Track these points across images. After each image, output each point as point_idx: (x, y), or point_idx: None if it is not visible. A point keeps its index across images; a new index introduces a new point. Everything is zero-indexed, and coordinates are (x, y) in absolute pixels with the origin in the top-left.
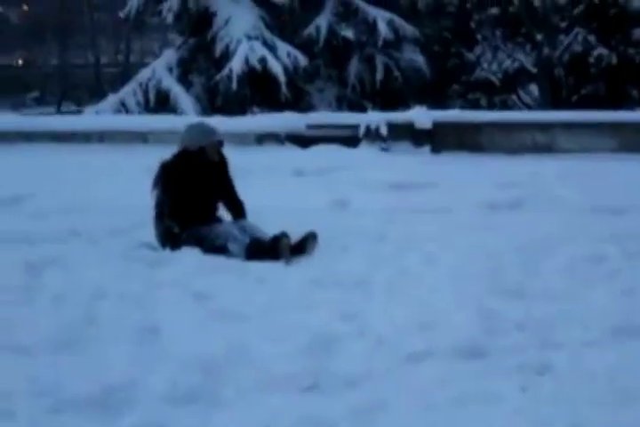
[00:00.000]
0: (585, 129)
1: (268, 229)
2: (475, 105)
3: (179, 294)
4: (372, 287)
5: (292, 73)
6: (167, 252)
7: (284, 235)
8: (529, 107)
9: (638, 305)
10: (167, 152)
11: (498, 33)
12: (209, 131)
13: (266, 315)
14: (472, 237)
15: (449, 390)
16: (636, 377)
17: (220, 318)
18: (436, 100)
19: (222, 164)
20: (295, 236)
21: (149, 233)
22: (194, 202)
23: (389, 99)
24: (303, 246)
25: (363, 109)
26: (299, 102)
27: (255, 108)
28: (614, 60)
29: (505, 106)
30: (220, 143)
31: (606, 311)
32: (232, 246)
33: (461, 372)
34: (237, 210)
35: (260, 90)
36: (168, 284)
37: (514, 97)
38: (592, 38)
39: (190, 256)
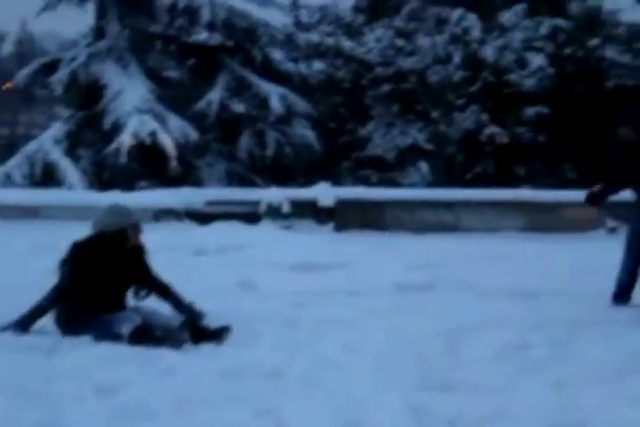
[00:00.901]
0: (490, 208)
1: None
2: (365, 182)
3: (79, 386)
4: (288, 379)
5: (183, 147)
6: (63, 338)
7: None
8: (413, 185)
9: (571, 400)
10: (59, 228)
11: (392, 109)
12: (128, 212)
13: (178, 411)
14: (389, 323)
15: None
16: None
17: (128, 416)
18: (327, 176)
19: (138, 248)
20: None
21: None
22: (103, 289)
23: (280, 174)
24: (218, 337)
25: (253, 185)
26: (188, 177)
27: (143, 183)
28: (505, 138)
29: (394, 184)
30: (139, 225)
31: (540, 407)
32: (123, 329)
33: None
34: (167, 292)
35: (148, 164)
36: (67, 375)
37: (404, 174)
38: (485, 117)
39: (89, 343)
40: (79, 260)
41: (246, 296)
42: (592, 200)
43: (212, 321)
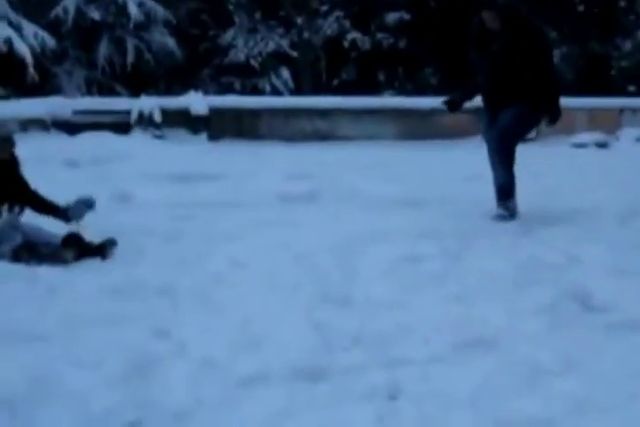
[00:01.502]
0: (366, 115)
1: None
2: (227, 89)
3: None
4: (179, 297)
5: (40, 55)
6: None
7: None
8: (279, 92)
9: (472, 313)
10: None
11: (255, 15)
12: None
13: (67, 333)
14: (276, 236)
15: (293, 422)
16: (497, 398)
17: (12, 341)
18: (189, 83)
19: (10, 162)
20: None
21: None
22: None
23: (140, 81)
24: (102, 251)
25: (113, 92)
26: (46, 85)
27: (0, 91)
28: (367, 44)
29: (257, 90)
30: (9, 140)
31: (441, 322)
32: (3, 247)
33: (305, 399)
34: (44, 205)
35: (5, 72)
36: None
37: (266, 80)
38: (347, 23)
39: None
40: None
41: (123, 209)
42: (451, 106)
43: (92, 237)
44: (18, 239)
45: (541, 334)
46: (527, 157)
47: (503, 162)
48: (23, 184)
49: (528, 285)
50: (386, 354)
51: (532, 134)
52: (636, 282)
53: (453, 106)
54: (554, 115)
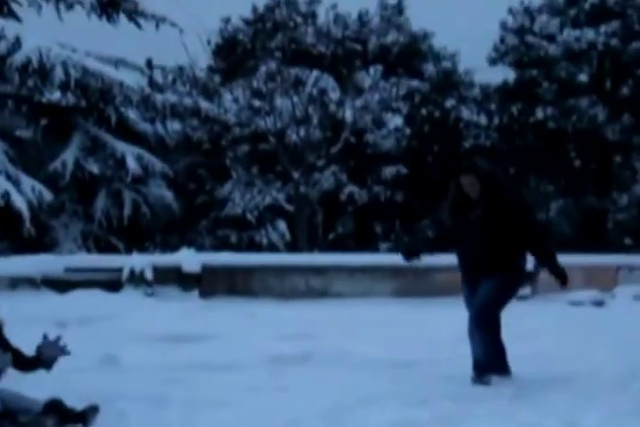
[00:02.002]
0: (361, 273)
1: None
2: (224, 242)
3: None
4: None
5: (37, 208)
6: None
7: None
8: (276, 245)
9: None
10: None
11: (252, 169)
12: None
13: None
14: (266, 401)
15: None
16: None
17: None
18: (185, 236)
19: None
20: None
21: None
22: None
23: (137, 235)
24: (84, 419)
25: (110, 246)
26: (43, 238)
27: None
28: (364, 197)
29: (253, 243)
30: None
31: None
32: None
33: None
34: (29, 364)
35: (2, 226)
36: None
37: (263, 234)
38: (344, 176)
39: None
40: None
41: (109, 373)
42: (409, 255)
43: (75, 402)
44: None
45: None
46: (523, 315)
47: (483, 337)
48: (4, 344)
49: None
50: None
51: (528, 292)
52: None
53: (412, 254)
54: (560, 275)
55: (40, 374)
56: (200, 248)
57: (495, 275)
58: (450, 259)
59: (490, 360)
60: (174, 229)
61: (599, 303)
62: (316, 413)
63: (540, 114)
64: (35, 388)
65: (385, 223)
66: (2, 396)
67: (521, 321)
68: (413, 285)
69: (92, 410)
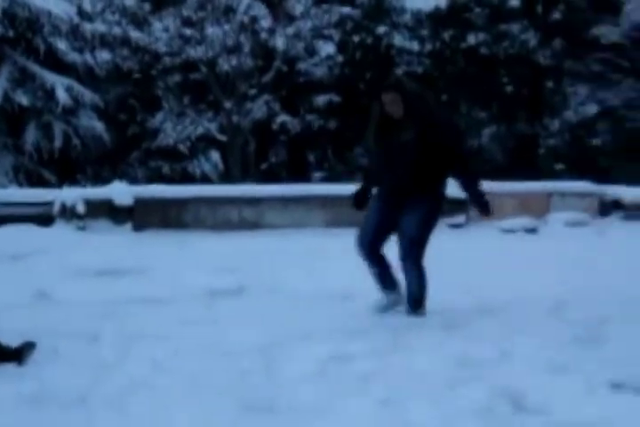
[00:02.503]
0: (295, 204)
1: None
2: (156, 173)
3: None
4: (97, 405)
5: None
6: None
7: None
8: (207, 177)
9: (402, 419)
10: None
11: (183, 99)
12: None
13: None
14: (201, 335)
15: None
16: None
17: None
18: (117, 167)
19: None
20: None
21: None
22: None
23: (69, 167)
24: (19, 356)
25: (41, 178)
26: None
27: None
28: (297, 127)
29: (187, 174)
30: None
31: None
32: None
33: None
34: None
35: None
36: None
37: (195, 164)
38: (276, 106)
39: None
40: None
41: (42, 308)
42: (358, 203)
43: (8, 339)
44: None
45: None
46: (455, 243)
47: (419, 268)
48: None
49: (459, 384)
50: None
51: (461, 219)
52: (572, 380)
53: (360, 203)
54: (481, 203)
55: None
56: (133, 180)
57: (422, 202)
58: None
59: (424, 292)
60: (106, 162)
61: (532, 230)
62: (252, 346)
63: (471, 40)
64: None
65: (318, 152)
66: None
67: (453, 249)
68: (347, 215)
69: (28, 347)
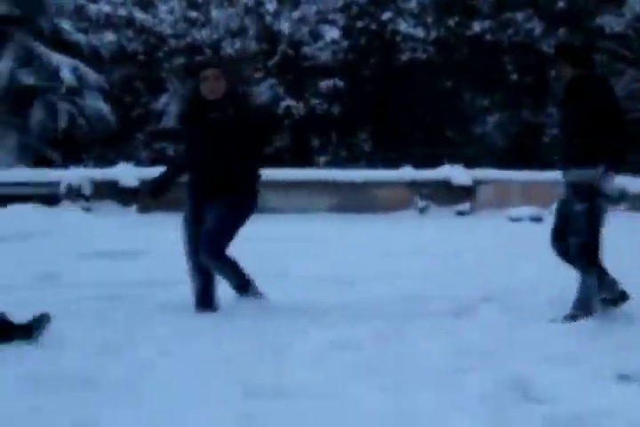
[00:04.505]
0: (298, 188)
1: None
2: (161, 154)
3: None
4: (105, 387)
5: None
6: None
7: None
8: None
9: (406, 406)
10: None
11: (188, 82)
12: None
13: None
14: (208, 318)
15: None
16: None
17: None
18: (121, 149)
19: None
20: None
21: None
22: None
23: (73, 147)
24: (32, 329)
25: (45, 158)
26: None
27: None
28: (302, 111)
29: None
30: None
31: (376, 415)
32: None
33: None
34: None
35: None
36: None
37: None
38: (281, 90)
39: None
40: None
41: (48, 289)
42: (154, 192)
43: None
44: None
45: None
46: (462, 231)
47: (233, 269)
48: None
49: (465, 372)
50: None
51: (467, 207)
52: (577, 369)
53: (157, 191)
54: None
55: None
56: (137, 162)
57: (224, 199)
58: (389, 174)
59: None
60: (110, 143)
61: (537, 219)
62: (257, 330)
63: (476, 27)
64: None
65: (322, 137)
66: None
67: (459, 237)
68: (351, 200)
69: (42, 319)
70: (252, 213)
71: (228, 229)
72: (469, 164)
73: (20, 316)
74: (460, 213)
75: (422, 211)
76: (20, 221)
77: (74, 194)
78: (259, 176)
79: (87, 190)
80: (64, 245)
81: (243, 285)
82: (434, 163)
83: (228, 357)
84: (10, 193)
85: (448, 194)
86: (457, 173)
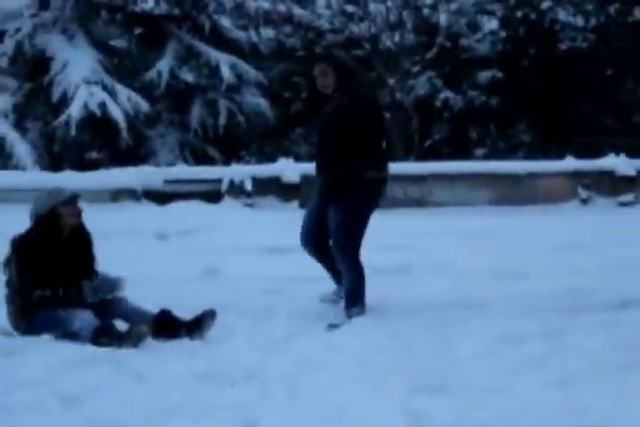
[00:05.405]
0: (460, 181)
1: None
2: None
3: (44, 397)
4: (270, 382)
5: (133, 118)
6: (21, 338)
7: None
8: None
9: (574, 402)
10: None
11: None
12: (58, 190)
13: (150, 425)
14: (369, 314)
15: None
16: None
17: None
18: (280, 144)
19: (80, 233)
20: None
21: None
22: (53, 282)
23: (233, 143)
24: (199, 326)
25: (205, 155)
26: (140, 148)
27: (94, 155)
28: (460, 103)
29: None
30: (74, 200)
31: (543, 410)
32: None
33: None
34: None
35: (99, 136)
36: (28, 383)
37: None
38: (439, 82)
39: (51, 344)
40: (22, 255)
41: (213, 283)
42: None
43: (179, 313)
44: (95, 321)
45: None
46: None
47: (351, 265)
48: (92, 261)
49: (631, 368)
50: None
51: (631, 198)
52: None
53: None
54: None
55: (143, 286)
56: (296, 157)
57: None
58: (552, 165)
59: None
60: (269, 138)
61: None
62: (420, 324)
63: (638, 14)
64: (138, 300)
65: (480, 129)
66: (124, 308)
67: (623, 229)
68: (512, 192)
69: (208, 315)
70: (373, 206)
71: (349, 230)
72: (631, 153)
73: (185, 311)
74: (623, 204)
75: (585, 202)
76: (182, 219)
77: (236, 190)
78: (372, 166)
79: (249, 186)
80: (226, 240)
81: (356, 297)
82: (594, 153)
83: (392, 351)
84: (173, 191)
85: (611, 184)
86: (620, 163)
